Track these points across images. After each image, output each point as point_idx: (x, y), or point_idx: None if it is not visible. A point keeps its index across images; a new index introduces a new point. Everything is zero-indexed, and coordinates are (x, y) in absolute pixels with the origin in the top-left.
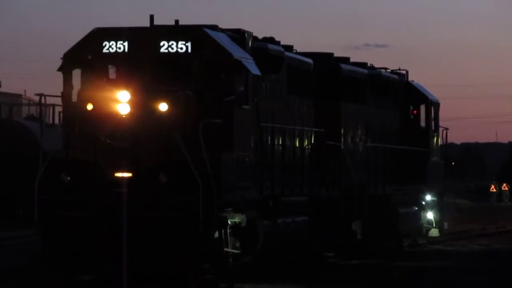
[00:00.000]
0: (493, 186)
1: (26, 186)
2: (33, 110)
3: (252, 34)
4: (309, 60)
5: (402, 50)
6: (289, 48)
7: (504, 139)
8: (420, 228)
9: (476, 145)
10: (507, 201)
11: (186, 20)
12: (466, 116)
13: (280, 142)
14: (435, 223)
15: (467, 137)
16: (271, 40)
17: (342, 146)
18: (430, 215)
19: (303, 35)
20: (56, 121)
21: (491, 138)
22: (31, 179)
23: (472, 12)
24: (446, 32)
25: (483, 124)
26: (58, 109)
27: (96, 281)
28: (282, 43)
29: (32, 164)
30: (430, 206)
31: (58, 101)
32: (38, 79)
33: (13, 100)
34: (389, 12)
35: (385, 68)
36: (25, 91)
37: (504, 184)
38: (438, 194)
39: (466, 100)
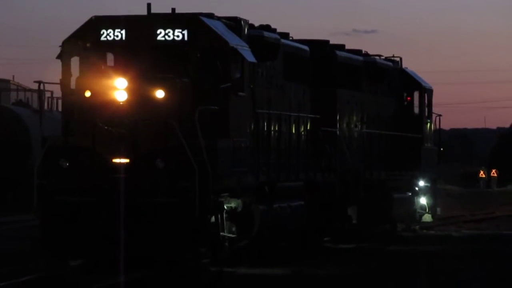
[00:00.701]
0: (482, 172)
1: (15, 171)
2: (22, 95)
3: (248, 22)
4: (305, 47)
5: (391, 36)
6: (285, 35)
7: (492, 125)
8: (414, 213)
9: (465, 130)
10: (495, 188)
11: (182, 7)
12: (455, 102)
13: (276, 128)
14: (428, 208)
15: (456, 123)
16: (267, 27)
17: (338, 132)
18: (423, 200)
19: (291, 21)
20: (45, 106)
21: (479, 124)
22: (21, 164)
23: None
24: (434, 18)
25: (472, 110)
26: (47, 94)
27: (87, 265)
28: (260, 25)
29: (21, 149)
30: (423, 191)
31: (48, 87)
32: (26, 65)
33: (1, 86)
34: None
35: (379, 55)
36: (13, 76)
37: (493, 171)
38: (431, 179)
39: (455, 85)
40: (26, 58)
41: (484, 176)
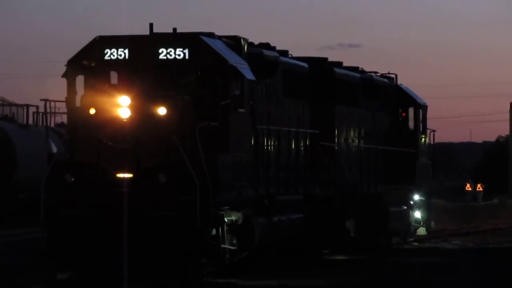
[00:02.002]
0: (468, 185)
1: (0, 187)
2: (7, 110)
3: (247, 40)
4: (304, 64)
5: (375, 50)
6: (285, 53)
7: (478, 139)
8: (409, 227)
9: (450, 144)
10: (481, 201)
11: (184, 27)
12: (440, 116)
13: (276, 143)
14: (423, 222)
15: (442, 137)
16: (266, 45)
17: (336, 147)
18: (417, 214)
19: (276, 34)
20: (30, 121)
21: (465, 138)
22: (6, 180)
23: (445, 13)
24: (420, 32)
25: (457, 124)
26: (32, 109)
27: (89, 276)
28: (259, 43)
29: (6, 165)
30: (418, 205)
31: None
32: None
33: None
34: (362, 12)
35: (375, 72)
36: None
37: (479, 185)
38: (425, 193)
39: (440, 100)
40: (10, 73)
41: (470, 189)
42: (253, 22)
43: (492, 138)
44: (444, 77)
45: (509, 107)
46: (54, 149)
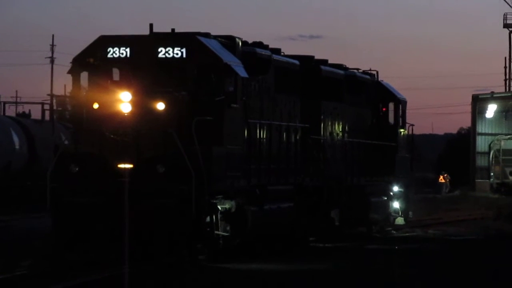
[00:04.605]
0: (441, 177)
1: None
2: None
3: (241, 40)
4: (296, 61)
5: (336, 41)
6: (277, 51)
7: (439, 131)
8: (388, 216)
9: (412, 136)
10: (447, 192)
11: (181, 26)
12: None
13: (267, 136)
14: (401, 212)
15: None
16: (259, 44)
17: (322, 140)
18: (396, 204)
19: (237, 25)
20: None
21: (427, 130)
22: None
23: (407, 5)
24: (380, 24)
25: (419, 116)
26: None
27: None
28: (216, 33)
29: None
30: (397, 196)
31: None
32: None
33: None
34: (323, 3)
35: (358, 69)
36: None
37: (442, 177)
38: (404, 185)
39: (401, 91)
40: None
41: (444, 181)
42: (215, 14)
43: (453, 130)
44: (406, 69)
45: (470, 100)
46: (17, 142)
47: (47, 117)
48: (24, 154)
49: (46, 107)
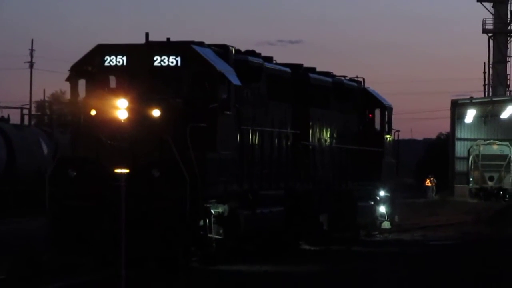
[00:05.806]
0: (428, 181)
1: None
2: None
3: (235, 48)
4: (287, 69)
5: (316, 46)
6: (269, 59)
7: (418, 136)
8: (375, 221)
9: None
10: (434, 195)
11: (177, 35)
12: None
13: (259, 142)
14: (387, 216)
15: None
16: (252, 52)
17: (311, 146)
18: (383, 209)
19: (216, 30)
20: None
21: (406, 135)
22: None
23: (386, 10)
24: (360, 30)
25: (398, 121)
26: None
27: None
28: (197, 39)
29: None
30: (383, 200)
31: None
32: None
33: None
34: (303, 9)
35: (344, 76)
36: None
37: (428, 180)
38: (390, 190)
39: None
40: None
41: (430, 184)
42: (191, 18)
43: (433, 135)
44: (385, 74)
45: (450, 105)
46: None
47: (26, 121)
48: (2, 159)
49: (25, 111)
